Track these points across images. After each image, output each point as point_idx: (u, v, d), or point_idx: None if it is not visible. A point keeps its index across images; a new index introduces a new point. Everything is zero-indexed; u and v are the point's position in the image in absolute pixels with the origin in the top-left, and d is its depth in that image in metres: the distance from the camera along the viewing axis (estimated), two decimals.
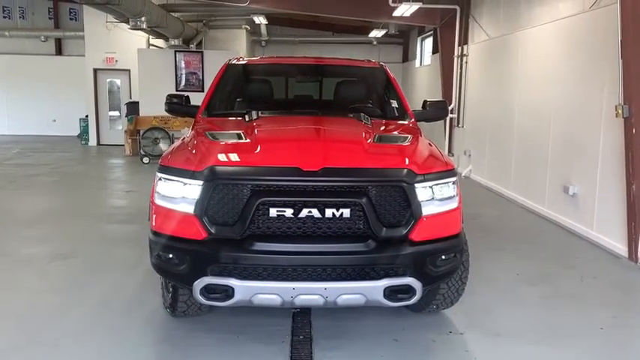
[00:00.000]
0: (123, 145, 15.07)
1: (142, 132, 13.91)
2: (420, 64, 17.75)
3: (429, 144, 4.05)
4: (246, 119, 4.34)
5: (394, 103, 5.13)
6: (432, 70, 15.29)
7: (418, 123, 4.78)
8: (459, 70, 12.18)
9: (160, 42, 16.56)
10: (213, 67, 12.97)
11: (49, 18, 19.69)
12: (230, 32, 17.67)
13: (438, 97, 11.69)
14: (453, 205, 3.62)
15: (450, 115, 11.92)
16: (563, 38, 7.63)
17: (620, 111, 5.80)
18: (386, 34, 17.83)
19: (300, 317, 4.24)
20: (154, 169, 3.76)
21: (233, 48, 16.90)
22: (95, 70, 16.89)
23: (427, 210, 3.47)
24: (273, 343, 3.85)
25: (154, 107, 13.64)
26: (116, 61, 16.72)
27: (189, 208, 3.39)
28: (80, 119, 17.66)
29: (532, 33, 8.67)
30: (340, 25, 18.98)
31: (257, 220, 3.33)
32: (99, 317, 4.27)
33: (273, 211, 3.31)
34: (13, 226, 7.17)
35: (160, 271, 3.70)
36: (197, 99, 5.20)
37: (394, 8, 11.21)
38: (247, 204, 3.31)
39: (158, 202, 3.57)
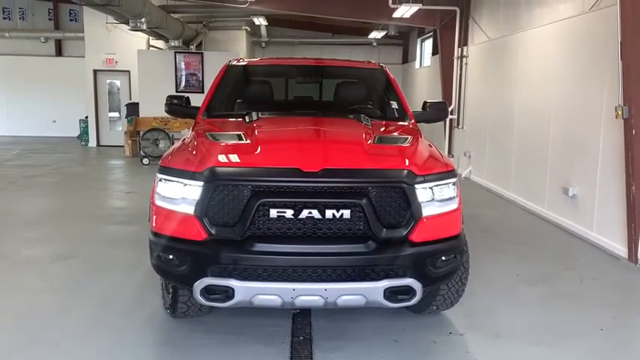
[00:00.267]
0: (123, 146, 15.08)
1: (141, 133, 13.92)
2: (420, 66, 17.76)
3: (429, 145, 4.06)
4: (247, 120, 4.34)
5: (394, 104, 5.14)
6: (431, 72, 15.30)
7: (418, 124, 4.78)
8: (458, 72, 12.19)
9: (159, 43, 16.57)
10: (213, 68, 12.97)
11: (49, 19, 19.71)
12: (230, 33, 17.69)
13: (438, 99, 11.69)
14: (453, 206, 3.62)
15: (449, 117, 11.93)
16: (563, 40, 7.64)
17: (619, 112, 5.80)
18: (386, 36, 17.85)
19: (300, 318, 4.24)
20: (153, 170, 3.76)
21: (233, 49, 16.91)
22: (95, 71, 16.90)
23: (427, 211, 3.47)
24: (273, 344, 3.85)
25: (153, 108, 13.65)
26: (116, 62, 16.73)
27: (190, 209, 3.39)
28: (80, 120, 17.67)
29: (532, 34, 8.68)
30: (340, 26, 19.00)
31: (257, 221, 3.33)
32: (99, 318, 4.27)
33: (273, 212, 3.31)
34: (13, 227, 7.16)
35: (160, 272, 3.70)
36: (197, 100, 5.21)
37: (394, 9, 11.22)
38: (247, 205, 3.31)
39: (158, 202, 3.57)
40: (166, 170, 3.58)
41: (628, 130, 5.82)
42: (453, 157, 12.47)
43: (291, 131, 4.34)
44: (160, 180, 3.58)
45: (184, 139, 4.25)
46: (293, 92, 6.01)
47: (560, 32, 7.71)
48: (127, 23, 12.37)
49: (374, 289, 3.36)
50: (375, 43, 19.82)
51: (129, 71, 16.60)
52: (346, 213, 3.33)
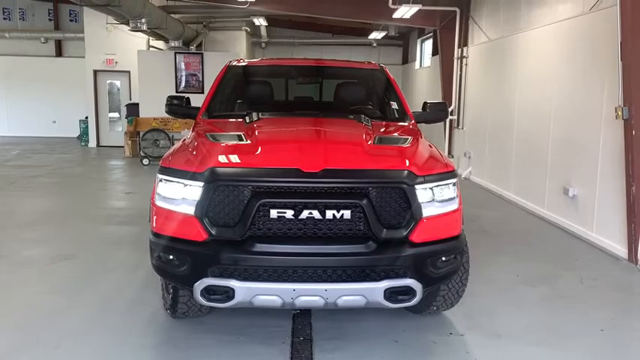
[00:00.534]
0: (123, 147, 15.08)
1: (141, 133, 13.93)
2: (420, 66, 17.77)
3: (429, 145, 4.06)
4: (247, 121, 4.34)
5: (394, 105, 5.14)
6: (431, 72, 15.31)
7: (418, 124, 4.78)
8: (458, 72, 12.20)
9: (160, 43, 16.58)
10: (213, 68, 13.01)
11: (49, 19, 19.71)
12: (230, 34, 17.70)
13: (438, 99, 11.72)
14: (453, 206, 3.62)
15: (449, 117, 11.93)
16: (563, 40, 7.64)
17: (620, 113, 5.81)
18: (386, 36, 17.86)
19: (301, 318, 4.24)
20: (153, 171, 3.76)
21: (233, 49, 16.92)
22: (95, 72, 16.91)
23: (427, 211, 3.47)
24: (273, 345, 3.86)
25: (153, 109, 13.68)
26: (116, 62, 16.74)
27: (190, 210, 3.39)
28: (80, 121, 17.67)
29: (532, 35, 8.68)
30: (340, 26, 19.03)
31: (258, 221, 3.33)
32: (99, 318, 4.27)
33: (273, 213, 3.32)
34: (13, 227, 7.17)
35: (160, 273, 3.70)
36: (197, 100, 5.21)
37: (394, 10, 11.22)
38: (248, 205, 3.32)
39: (159, 203, 3.57)
40: (167, 171, 3.58)
41: (628, 130, 5.82)
42: (452, 157, 12.47)
43: (292, 132, 4.34)
44: (161, 180, 3.58)
45: (185, 139, 4.25)
46: (293, 93, 6.02)
47: (560, 33, 7.71)
48: (127, 24, 12.38)
49: (374, 290, 3.36)
50: (375, 44, 19.83)
51: (129, 72, 16.61)
52: (346, 213, 3.33)
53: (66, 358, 3.68)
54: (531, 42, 8.71)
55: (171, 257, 3.48)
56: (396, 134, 4.44)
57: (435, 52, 14.76)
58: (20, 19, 19.70)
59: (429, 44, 16.52)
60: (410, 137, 4.11)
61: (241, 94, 5.49)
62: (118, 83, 17.18)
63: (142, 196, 9.06)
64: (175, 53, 15.19)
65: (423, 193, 3.46)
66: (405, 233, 3.42)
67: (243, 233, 3.33)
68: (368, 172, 3.49)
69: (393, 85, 5.31)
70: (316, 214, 3.31)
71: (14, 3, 19.53)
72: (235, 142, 3.89)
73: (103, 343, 3.88)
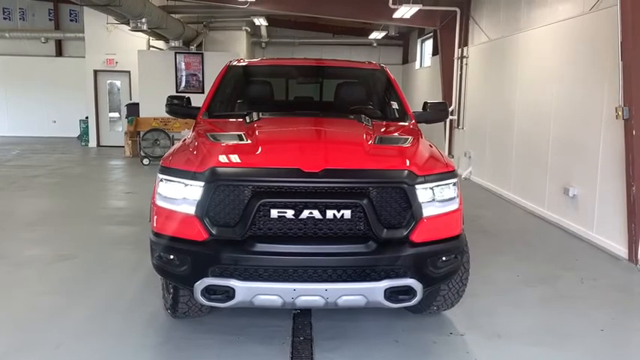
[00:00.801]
0: (123, 147, 15.09)
1: (142, 133, 13.94)
2: (420, 66, 17.77)
3: (430, 145, 4.06)
4: (247, 120, 4.34)
5: (395, 105, 5.14)
6: (432, 72, 15.31)
7: (418, 124, 4.79)
8: (459, 72, 12.20)
9: (160, 43, 16.58)
10: (213, 68, 13.01)
11: (50, 19, 19.71)
12: (230, 34, 17.70)
13: (438, 99, 11.71)
14: (453, 206, 3.62)
15: (450, 117, 11.93)
16: (563, 40, 7.64)
17: (620, 113, 5.81)
18: (386, 36, 17.86)
19: (301, 318, 4.24)
20: (154, 171, 3.77)
21: (233, 49, 16.92)
22: (95, 72, 16.92)
23: (428, 211, 3.47)
24: (273, 344, 3.86)
25: (154, 109, 13.69)
26: (116, 62, 16.75)
27: (191, 209, 3.40)
28: (80, 120, 17.68)
29: (532, 35, 8.68)
30: (340, 26, 19.03)
31: (258, 221, 3.33)
32: (100, 318, 4.27)
33: (274, 213, 3.32)
34: (13, 227, 7.17)
35: (160, 272, 3.70)
36: (197, 100, 5.21)
37: (394, 10, 11.22)
38: (248, 205, 3.32)
39: (159, 203, 3.58)
40: (167, 170, 3.59)
41: (628, 130, 5.82)
42: (453, 157, 12.47)
43: (292, 132, 4.34)
44: (161, 180, 3.58)
45: (185, 139, 4.26)
46: (293, 93, 6.03)
47: (561, 33, 7.71)
48: (128, 24, 12.39)
49: (374, 290, 3.36)
50: (375, 44, 19.83)
51: (129, 71, 16.62)
52: (347, 213, 3.34)
53: (66, 358, 3.68)
54: (531, 42, 8.71)
55: (171, 257, 3.48)
56: (396, 134, 4.44)
57: (435, 52, 14.76)
58: (20, 18, 19.70)
59: (429, 44, 16.52)
60: (410, 137, 4.12)
61: (241, 94, 5.48)
62: (118, 83, 17.18)
63: (142, 196, 9.07)
64: (175, 53, 15.19)
65: (423, 192, 3.46)
66: (406, 233, 3.42)
67: (244, 233, 3.33)
68: (368, 172, 3.49)
69: (393, 85, 5.31)
70: (317, 213, 3.32)
71: (14, 3, 19.53)
72: (236, 142, 3.89)
73: (103, 343, 3.88)
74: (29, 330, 4.05)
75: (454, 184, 3.65)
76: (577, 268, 5.86)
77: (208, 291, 3.40)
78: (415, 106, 5.32)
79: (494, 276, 5.41)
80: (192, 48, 16.23)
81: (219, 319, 4.22)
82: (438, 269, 3.53)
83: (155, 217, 3.63)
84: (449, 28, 12.41)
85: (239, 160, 3.61)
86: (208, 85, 5.67)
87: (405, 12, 11.23)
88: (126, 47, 16.21)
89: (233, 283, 3.32)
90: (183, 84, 15.08)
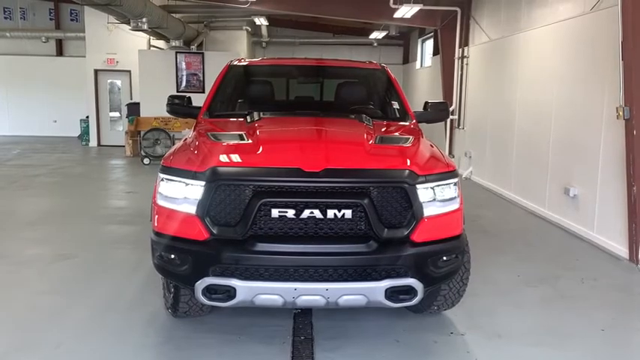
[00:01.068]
0: (123, 146, 15.10)
1: (142, 133, 13.93)
2: (421, 66, 17.77)
3: (431, 145, 4.06)
4: (248, 120, 4.34)
5: (395, 105, 5.14)
6: (432, 72, 15.31)
7: (419, 124, 4.79)
8: (459, 72, 12.20)
9: (160, 43, 16.58)
10: (213, 68, 13.01)
11: (50, 19, 19.71)
12: (231, 33, 17.69)
13: (439, 99, 11.71)
14: (454, 206, 3.62)
15: (450, 117, 11.92)
16: (564, 40, 7.64)
17: (620, 113, 5.81)
18: (386, 36, 17.85)
19: (302, 318, 4.24)
20: (154, 170, 3.77)
21: (234, 49, 16.92)
22: (96, 71, 16.92)
23: (429, 211, 3.47)
24: (274, 344, 3.86)
25: (154, 108, 13.69)
26: (117, 62, 16.75)
27: (192, 209, 3.40)
28: (81, 120, 17.69)
29: (533, 35, 8.68)
30: (341, 26, 19.02)
31: (259, 220, 3.34)
32: (100, 318, 4.27)
33: (275, 212, 3.32)
34: (14, 226, 7.17)
35: (161, 272, 3.70)
36: (198, 100, 5.21)
37: (395, 10, 11.22)
38: (249, 205, 3.32)
39: (160, 202, 3.58)
40: (168, 170, 3.59)
41: (629, 130, 5.82)
42: (453, 157, 12.47)
43: (293, 131, 4.34)
44: (162, 180, 3.59)
45: (186, 138, 4.26)
46: (294, 92, 6.03)
47: (561, 33, 7.71)
48: (128, 23, 12.38)
49: (375, 289, 3.36)
50: (375, 44, 19.82)
51: (130, 71, 16.62)
52: (348, 213, 3.34)
53: (66, 357, 3.68)
54: (532, 42, 8.71)
55: (172, 256, 3.48)
56: (397, 134, 4.44)
57: (435, 52, 14.76)
58: (21, 18, 19.70)
59: (429, 44, 16.52)
60: (411, 137, 4.12)
61: (242, 93, 5.49)
62: (118, 83, 17.18)
63: (142, 196, 9.07)
64: (176, 53, 15.19)
65: (424, 192, 3.46)
66: (406, 233, 3.42)
67: (245, 232, 3.34)
68: (369, 171, 3.49)
69: (394, 84, 5.31)
70: (317, 213, 3.32)
71: (15, 2, 19.52)
72: (236, 142, 3.89)
73: (103, 342, 3.88)
74: (29, 330, 4.05)
75: (455, 184, 3.65)
76: (577, 268, 5.86)
77: (209, 290, 3.41)
78: (416, 105, 5.33)
79: (495, 276, 5.41)
80: (193, 48, 16.23)
81: (220, 318, 4.23)
82: (438, 269, 3.53)
83: (156, 216, 3.63)
84: (449, 27, 12.41)
85: (240, 160, 3.62)
86: (209, 85, 5.68)
87: (405, 12, 11.23)
88: (126, 47, 16.22)
89: (234, 282, 3.33)
90: (183, 84, 15.07)
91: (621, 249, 6.18)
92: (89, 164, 13.82)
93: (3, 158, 13.92)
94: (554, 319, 4.47)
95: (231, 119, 4.80)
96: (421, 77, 17.44)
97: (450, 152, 12.76)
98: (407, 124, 4.74)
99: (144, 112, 14.56)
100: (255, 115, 4.41)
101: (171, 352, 3.80)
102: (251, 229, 3.34)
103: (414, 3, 10.82)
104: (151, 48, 16.43)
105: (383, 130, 4.41)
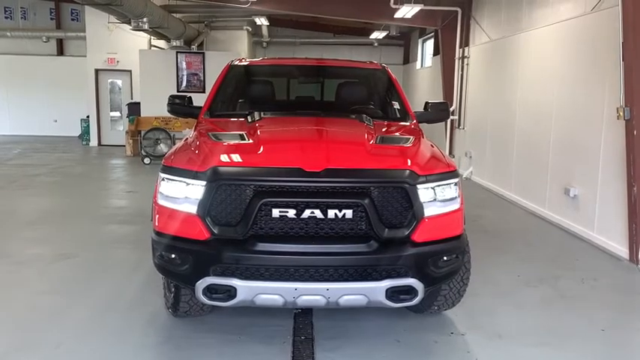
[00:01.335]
0: (124, 146, 15.10)
1: (143, 133, 13.93)
2: (421, 66, 17.77)
3: (431, 145, 4.07)
4: (249, 120, 4.35)
5: (396, 105, 5.15)
6: (433, 72, 15.31)
7: (419, 124, 4.79)
8: (460, 72, 12.20)
9: (161, 43, 16.59)
10: (214, 68, 13.01)
11: (51, 18, 19.71)
12: (231, 33, 17.70)
13: (439, 99, 11.71)
14: (454, 206, 3.62)
15: (450, 117, 11.93)
16: (565, 40, 7.64)
17: (621, 113, 5.81)
18: (387, 36, 17.85)
19: (302, 318, 4.24)
20: (154, 170, 3.77)
21: (234, 49, 16.93)
22: (96, 71, 16.92)
23: (429, 211, 3.47)
24: (274, 344, 3.86)
25: (155, 108, 13.69)
26: (117, 61, 16.76)
27: (192, 209, 3.40)
28: (81, 120, 17.69)
29: (533, 35, 8.68)
30: (341, 26, 19.02)
31: (260, 220, 3.34)
32: (100, 318, 4.27)
33: (275, 212, 3.32)
34: (14, 226, 7.17)
35: (162, 271, 3.70)
36: (198, 100, 5.22)
37: (395, 10, 11.22)
38: (250, 204, 3.32)
39: (161, 202, 3.58)
40: (169, 170, 3.59)
41: (629, 131, 5.82)
42: (454, 157, 12.47)
43: (294, 131, 4.34)
44: (163, 179, 3.59)
45: (187, 138, 4.26)
46: (295, 92, 6.03)
47: (562, 33, 7.71)
48: (129, 23, 12.38)
49: (376, 289, 3.36)
50: (376, 44, 19.82)
51: (130, 71, 16.63)
52: (348, 213, 3.34)
53: (67, 357, 3.68)
54: (533, 42, 8.71)
55: (173, 256, 3.48)
56: (397, 134, 4.44)
57: (436, 52, 14.76)
58: (22, 18, 19.71)
59: (430, 44, 16.52)
60: (412, 137, 4.12)
61: (243, 93, 5.49)
62: (119, 82, 17.18)
63: (143, 195, 9.08)
64: (177, 52, 15.18)
65: (424, 192, 3.46)
66: (407, 233, 3.42)
67: (245, 232, 3.34)
68: (370, 171, 3.49)
69: (394, 84, 5.31)
70: (318, 213, 3.32)
71: (16, 2, 19.53)
72: (237, 142, 3.89)
73: (103, 342, 3.88)
74: (29, 329, 4.05)
75: (455, 184, 3.65)
76: (578, 268, 5.86)
77: (210, 290, 3.41)
78: (416, 106, 5.33)
79: (495, 276, 5.41)
80: (194, 47, 16.23)
81: (220, 318, 4.23)
82: (439, 269, 3.53)
83: (157, 216, 3.63)
84: (450, 28, 12.41)
85: (241, 160, 3.62)
86: (209, 85, 5.68)
87: (406, 12, 11.23)
88: (127, 46, 16.22)
89: (234, 282, 3.33)
90: (184, 83, 15.07)
91: (621, 249, 6.18)
92: (89, 164, 13.83)
93: (3, 158, 13.92)
94: (554, 320, 4.47)
95: (232, 119, 4.80)
96: (421, 77, 17.44)
97: (451, 152, 12.76)
98: (407, 124, 4.74)
99: (144, 112, 14.56)
100: (256, 115, 4.41)
101: (172, 352, 3.80)
102: (252, 229, 3.34)
103: (414, 3, 10.83)
104: (152, 48, 16.43)
105: (383, 130, 4.41)
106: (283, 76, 5.98)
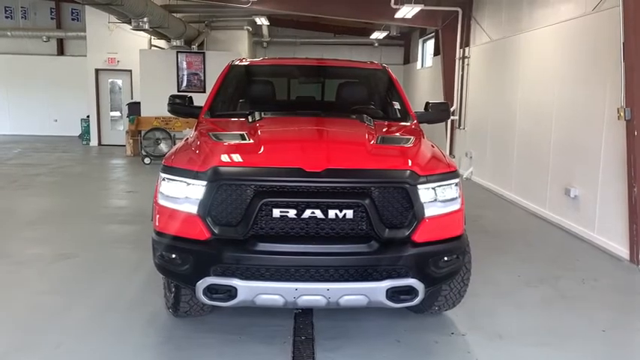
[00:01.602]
0: (124, 146, 15.10)
1: (143, 132, 13.93)
2: (422, 66, 17.77)
3: (432, 145, 4.07)
4: (249, 120, 4.35)
5: (396, 105, 5.14)
6: (433, 72, 15.30)
7: (420, 124, 4.78)
8: (460, 73, 12.20)
9: (161, 43, 16.59)
10: (214, 68, 13.02)
11: (51, 18, 19.71)
12: (232, 33, 17.70)
13: (440, 99, 11.71)
14: (455, 206, 3.62)
15: (451, 117, 11.93)
16: (565, 41, 7.63)
17: (622, 114, 5.81)
18: (387, 36, 17.85)
19: (302, 318, 4.24)
20: (155, 170, 3.77)
21: (235, 49, 16.92)
22: (97, 71, 16.92)
23: (430, 211, 3.47)
24: (274, 344, 3.86)
25: (155, 108, 13.69)
26: (118, 61, 16.75)
27: (193, 209, 3.40)
28: (81, 119, 17.68)
29: (534, 35, 8.68)
30: (341, 26, 19.02)
31: (260, 220, 3.34)
32: (100, 318, 4.27)
33: (276, 212, 3.32)
34: (14, 226, 7.17)
35: (162, 271, 3.70)
36: (199, 100, 5.22)
37: (396, 10, 11.22)
38: (250, 204, 3.32)
39: (161, 202, 3.58)
40: (170, 169, 3.59)
41: (630, 131, 5.82)
42: (454, 157, 12.46)
43: (294, 131, 4.34)
44: (164, 179, 3.59)
45: (187, 138, 4.26)
46: (295, 92, 6.03)
47: (563, 33, 7.71)
48: (129, 23, 12.38)
49: (376, 289, 3.36)
50: (376, 44, 19.82)
51: (130, 70, 16.62)
52: (349, 213, 3.34)
53: (67, 357, 3.68)
54: (533, 42, 8.70)
55: (173, 256, 3.48)
56: (398, 134, 4.44)
57: (436, 53, 14.76)
58: (22, 17, 19.71)
59: (430, 44, 16.52)
60: (412, 137, 4.12)
61: (244, 93, 5.49)
62: (119, 82, 17.18)
63: (143, 195, 9.07)
64: (177, 52, 15.18)
65: (425, 193, 3.46)
66: (408, 233, 3.42)
67: (246, 232, 3.33)
68: (370, 171, 3.49)
69: (395, 85, 5.31)
70: (319, 213, 3.32)
71: (16, 1, 19.53)
72: (238, 142, 3.89)
73: (103, 342, 3.88)
74: (29, 329, 4.05)
75: (456, 185, 3.65)
76: (578, 268, 5.85)
77: (210, 290, 3.41)
78: (417, 106, 5.32)
79: (496, 276, 5.41)
80: (194, 47, 16.23)
81: (221, 318, 4.22)
82: (439, 269, 3.53)
83: (157, 216, 3.63)
84: (450, 28, 12.40)
85: (241, 160, 3.62)
86: (210, 85, 5.68)
87: (406, 12, 11.23)
88: (127, 46, 16.21)
89: (235, 282, 3.33)
90: (184, 83, 15.06)
91: (622, 250, 6.17)
92: (90, 164, 13.83)
93: (3, 157, 13.92)
94: (554, 320, 4.47)
95: (233, 119, 4.80)
96: (422, 77, 17.44)
97: (451, 152, 12.76)
98: (408, 124, 4.74)
99: (145, 112, 14.56)
100: (257, 115, 4.41)
101: (172, 352, 3.80)
102: (252, 229, 3.34)
103: (415, 3, 10.82)
104: (152, 47, 16.43)
105: (384, 130, 4.41)
106: (284, 76, 5.98)
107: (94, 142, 17.24)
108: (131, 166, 13.07)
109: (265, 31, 19.00)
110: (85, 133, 17.48)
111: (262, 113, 4.47)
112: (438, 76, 14.00)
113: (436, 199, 3.51)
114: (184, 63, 15.02)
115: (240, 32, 17.81)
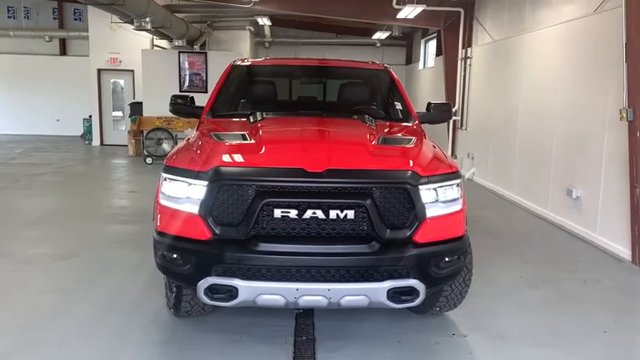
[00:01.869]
0: (126, 146, 15.13)
1: (145, 132, 13.94)
2: (424, 67, 17.76)
3: (433, 146, 4.06)
4: (251, 120, 4.35)
5: (398, 105, 5.14)
6: (435, 73, 15.29)
7: (422, 125, 4.78)
8: (462, 73, 12.19)
9: (163, 43, 16.60)
10: (216, 68, 13.02)
11: (54, 18, 19.74)
12: (234, 33, 17.70)
13: (442, 100, 11.72)
14: (456, 207, 3.62)
15: (453, 118, 11.92)
16: (568, 41, 7.62)
17: (624, 114, 5.80)
18: (389, 36, 17.84)
19: (303, 318, 4.24)
20: (157, 170, 3.77)
21: (237, 49, 16.93)
22: (99, 71, 16.95)
23: (431, 212, 3.47)
24: (275, 344, 3.86)
25: (157, 108, 13.70)
26: (120, 61, 16.78)
27: (194, 209, 3.40)
28: (84, 119, 17.71)
29: (536, 36, 8.67)
30: (344, 26, 19.00)
31: (261, 220, 3.34)
32: (102, 317, 4.28)
33: (277, 212, 3.32)
34: (16, 225, 7.18)
35: (164, 271, 3.71)
36: (200, 100, 5.22)
37: (398, 10, 11.22)
38: (252, 205, 3.32)
39: (163, 202, 3.58)
40: (171, 169, 3.59)
41: (632, 132, 5.81)
42: (456, 158, 12.46)
43: (296, 131, 4.34)
44: (165, 179, 3.59)
45: (189, 138, 4.26)
46: (297, 92, 6.02)
47: (565, 34, 7.70)
48: (132, 23, 12.39)
49: (377, 290, 3.36)
50: (378, 44, 19.82)
51: (133, 70, 16.64)
52: (350, 213, 3.34)
53: (69, 356, 3.68)
54: (536, 43, 8.69)
55: (175, 256, 3.48)
56: (399, 135, 4.44)
57: (438, 53, 14.74)
58: (25, 17, 19.75)
59: (432, 45, 16.50)
60: (414, 138, 4.11)
61: (245, 93, 5.49)
62: (121, 82, 17.21)
63: (145, 195, 9.08)
64: (179, 52, 15.19)
65: (426, 193, 3.46)
66: (409, 234, 3.42)
67: (247, 232, 3.34)
68: (372, 172, 3.49)
69: (397, 85, 5.31)
70: (320, 213, 3.32)
71: (19, 1, 19.57)
72: (239, 142, 3.89)
73: (105, 341, 3.89)
74: (32, 329, 4.05)
75: (457, 185, 3.65)
76: (580, 269, 5.85)
77: (211, 290, 3.41)
78: (419, 106, 5.32)
79: (498, 277, 5.40)
80: (196, 47, 16.25)
81: (222, 318, 4.23)
82: (441, 270, 3.53)
83: (159, 216, 3.63)
84: (453, 28, 12.40)
85: (243, 160, 3.62)
86: (212, 85, 5.68)
87: (408, 12, 11.23)
88: (130, 46, 16.24)
89: (236, 282, 3.33)
90: (186, 83, 15.07)
91: (624, 251, 6.16)
92: (92, 163, 13.85)
93: (6, 157, 13.95)
94: (556, 321, 4.46)
95: (234, 119, 4.80)
96: (424, 78, 17.43)
97: (453, 153, 12.75)
98: (410, 124, 4.74)
99: (147, 112, 14.57)
100: (258, 115, 4.41)
101: (173, 352, 3.80)
102: (253, 229, 3.34)
103: (417, 3, 10.81)
104: (154, 47, 16.45)
105: (386, 130, 4.41)
106: (285, 76, 5.97)
107: (96, 142, 17.27)
108: (133, 166, 13.08)
109: (267, 31, 19.01)
110: (88, 133, 17.51)
111: (264, 113, 4.47)
112: (440, 77, 14.00)
113: (437, 200, 3.51)
114: (186, 63, 15.03)
115: (242, 32, 17.82)
